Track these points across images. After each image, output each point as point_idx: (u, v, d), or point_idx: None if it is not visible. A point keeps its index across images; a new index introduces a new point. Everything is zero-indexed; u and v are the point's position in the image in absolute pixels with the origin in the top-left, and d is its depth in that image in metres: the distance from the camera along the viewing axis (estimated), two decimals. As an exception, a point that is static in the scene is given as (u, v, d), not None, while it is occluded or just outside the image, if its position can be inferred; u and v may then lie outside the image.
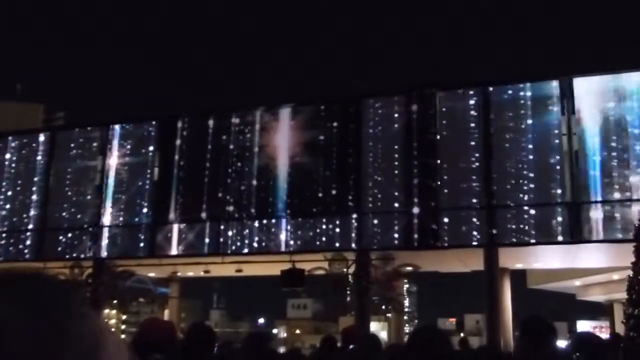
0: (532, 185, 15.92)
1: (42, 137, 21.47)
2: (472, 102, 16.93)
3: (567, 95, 16.10)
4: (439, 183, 16.63)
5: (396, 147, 17.25)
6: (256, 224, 18.20)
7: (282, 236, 17.87)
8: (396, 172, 17.11)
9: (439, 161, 16.75)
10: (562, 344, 8.60)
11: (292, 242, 17.73)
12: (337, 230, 17.37)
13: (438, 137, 16.92)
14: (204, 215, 18.66)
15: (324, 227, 17.54)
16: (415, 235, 16.56)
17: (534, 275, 24.83)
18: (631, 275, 11.74)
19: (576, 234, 15.33)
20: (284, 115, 18.73)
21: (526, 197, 15.88)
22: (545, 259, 18.71)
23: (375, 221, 17.06)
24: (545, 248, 16.32)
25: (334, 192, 17.56)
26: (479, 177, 16.35)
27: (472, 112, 16.82)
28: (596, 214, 15.28)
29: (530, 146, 16.15)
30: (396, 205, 16.92)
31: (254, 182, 18.42)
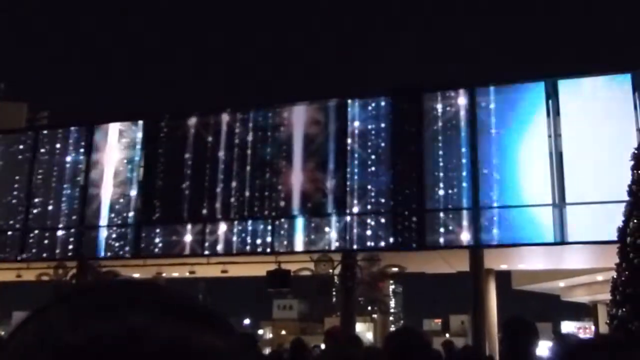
0: (517, 187, 15.99)
1: (26, 136, 21.28)
2: (458, 103, 16.98)
3: (552, 96, 16.20)
4: (425, 184, 16.66)
5: (382, 147, 17.25)
6: (242, 224, 18.12)
7: (268, 237, 17.81)
8: (382, 172, 17.11)
9: (425, 162, 16.79)
10: (546, 344, 8.60)
11: (277, 243, 17.68)
12: (323, 230, 17.35)
13: (424, 137, 16.96)
14: (189, 215, 18.55)
15: (309, 227, 17.50)
16: (401, 237, 16.57)
17: (519, 276, 24.90)
18: (615, 277, 11.78)
19: (561, 235, 15.41)
20: (272, 115, 18.68)
21: (511, 199, 15.95)
22: (530, 260, 18.78)
23: (361, 222, 17.05)
24: (530, 249, 16.39)
25: (319, 192, 17.53)
26: (465, 178, 16.40)
27: (458, 113, 16.87)
28: (581, 215, 15.37)
29: (516, 147, 16.22)
30: (382, 206, 16.93)
31: (239, 183, 18.35)
